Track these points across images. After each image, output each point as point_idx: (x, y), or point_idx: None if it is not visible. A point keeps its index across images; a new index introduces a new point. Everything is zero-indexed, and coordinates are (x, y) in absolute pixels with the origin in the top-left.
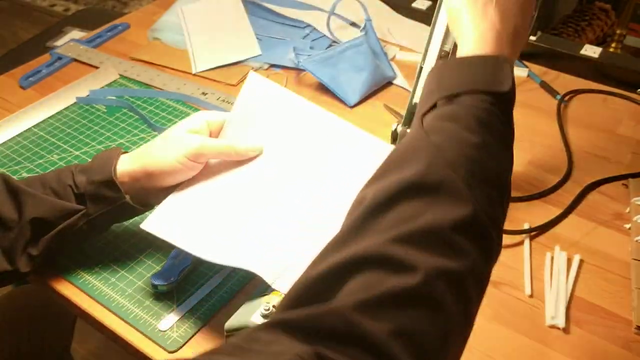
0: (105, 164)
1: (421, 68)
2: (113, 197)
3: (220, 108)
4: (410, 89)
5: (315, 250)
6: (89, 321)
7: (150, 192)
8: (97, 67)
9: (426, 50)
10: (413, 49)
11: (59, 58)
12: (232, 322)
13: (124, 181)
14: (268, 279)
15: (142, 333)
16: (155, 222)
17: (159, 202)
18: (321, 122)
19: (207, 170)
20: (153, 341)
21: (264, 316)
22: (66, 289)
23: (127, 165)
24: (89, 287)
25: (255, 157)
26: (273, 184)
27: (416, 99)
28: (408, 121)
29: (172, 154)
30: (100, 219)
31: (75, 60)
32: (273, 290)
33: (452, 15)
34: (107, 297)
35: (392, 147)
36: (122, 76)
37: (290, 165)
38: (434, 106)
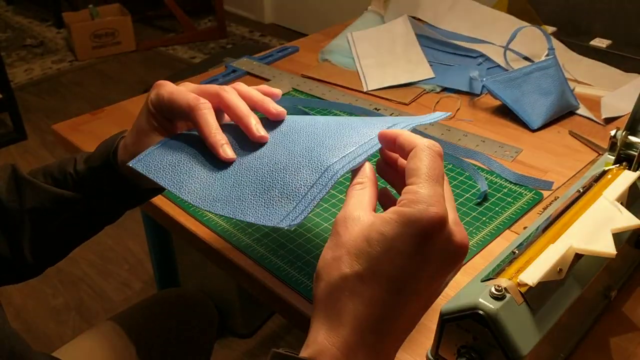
0: (107, 146)
1: None
2: (110, 181)
3: None
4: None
5: None
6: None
7: None
8: (269, 80)
9: None
10: (591, 84)
11: (234, 70)
12: (451, 305)
13: (124, 159)
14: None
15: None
16: (144, 161)
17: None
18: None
19: None
20: None
21: (495, 297)
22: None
23: (125, 140)
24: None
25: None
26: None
27: None
28: (630, 126)
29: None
30: (100, 206)
31: (249, 73)
32: (499, 272)
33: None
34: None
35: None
36: (294, 89)
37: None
38: None
